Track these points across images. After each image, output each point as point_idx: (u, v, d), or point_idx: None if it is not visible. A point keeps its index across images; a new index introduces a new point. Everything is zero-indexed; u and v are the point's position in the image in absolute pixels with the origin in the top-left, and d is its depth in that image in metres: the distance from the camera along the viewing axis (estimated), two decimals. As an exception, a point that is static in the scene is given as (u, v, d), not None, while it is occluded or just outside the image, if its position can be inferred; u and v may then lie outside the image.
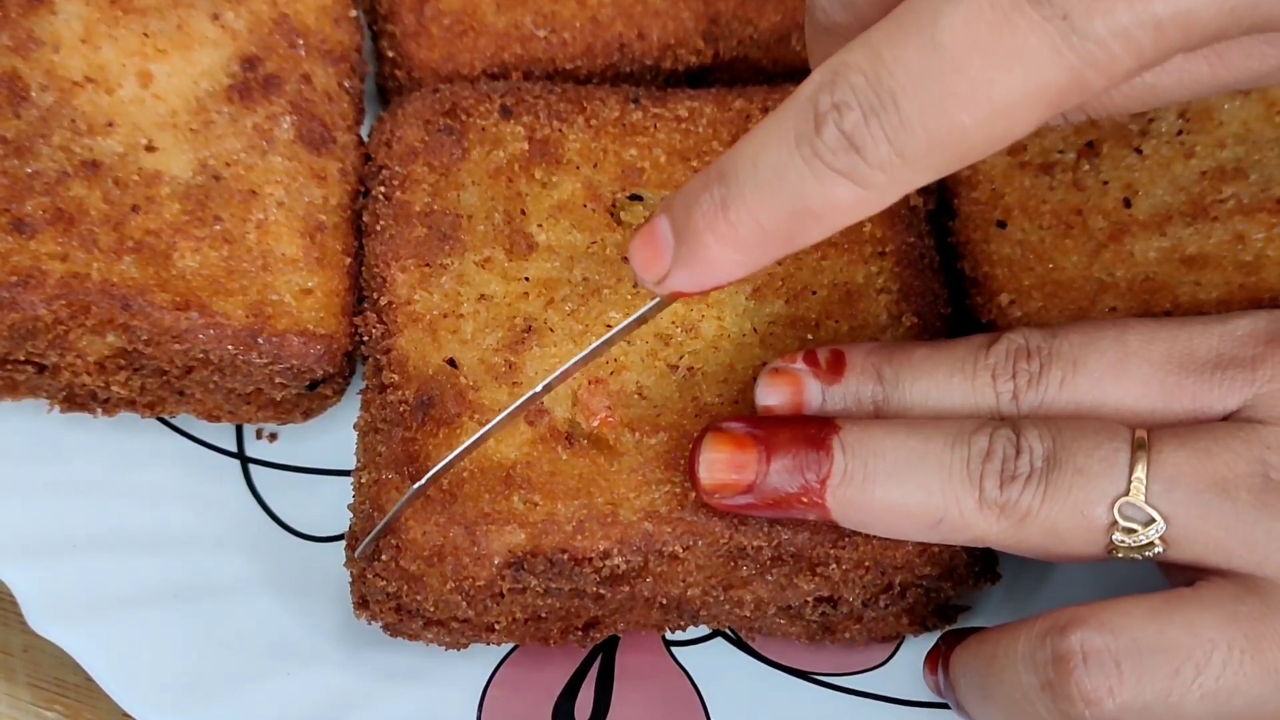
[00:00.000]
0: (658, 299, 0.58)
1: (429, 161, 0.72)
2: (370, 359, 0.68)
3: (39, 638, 0.68)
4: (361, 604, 0.65)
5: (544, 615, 0.66)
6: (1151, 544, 0.57)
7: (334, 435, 0.74)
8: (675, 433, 0.65)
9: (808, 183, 0.50)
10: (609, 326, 0.67)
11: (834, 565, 0.64)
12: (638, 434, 0.65)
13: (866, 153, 0.49)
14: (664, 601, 0.66)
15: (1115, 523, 0.57)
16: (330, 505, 0.73)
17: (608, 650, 0.71)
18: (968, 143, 0.48)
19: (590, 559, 0.62)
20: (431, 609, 0.64)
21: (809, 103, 0.50)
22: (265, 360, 0.68)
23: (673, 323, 0.68)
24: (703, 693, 0.70)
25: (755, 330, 0.69)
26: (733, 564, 0.64)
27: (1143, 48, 0.46)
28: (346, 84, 0.75)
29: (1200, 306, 0.66)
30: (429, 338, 0.67)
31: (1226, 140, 0.70)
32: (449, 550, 0.62)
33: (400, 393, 0.65)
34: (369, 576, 0.63)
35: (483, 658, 0.70)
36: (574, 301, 0.68)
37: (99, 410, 0.72)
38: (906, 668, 0.70)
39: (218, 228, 0.69)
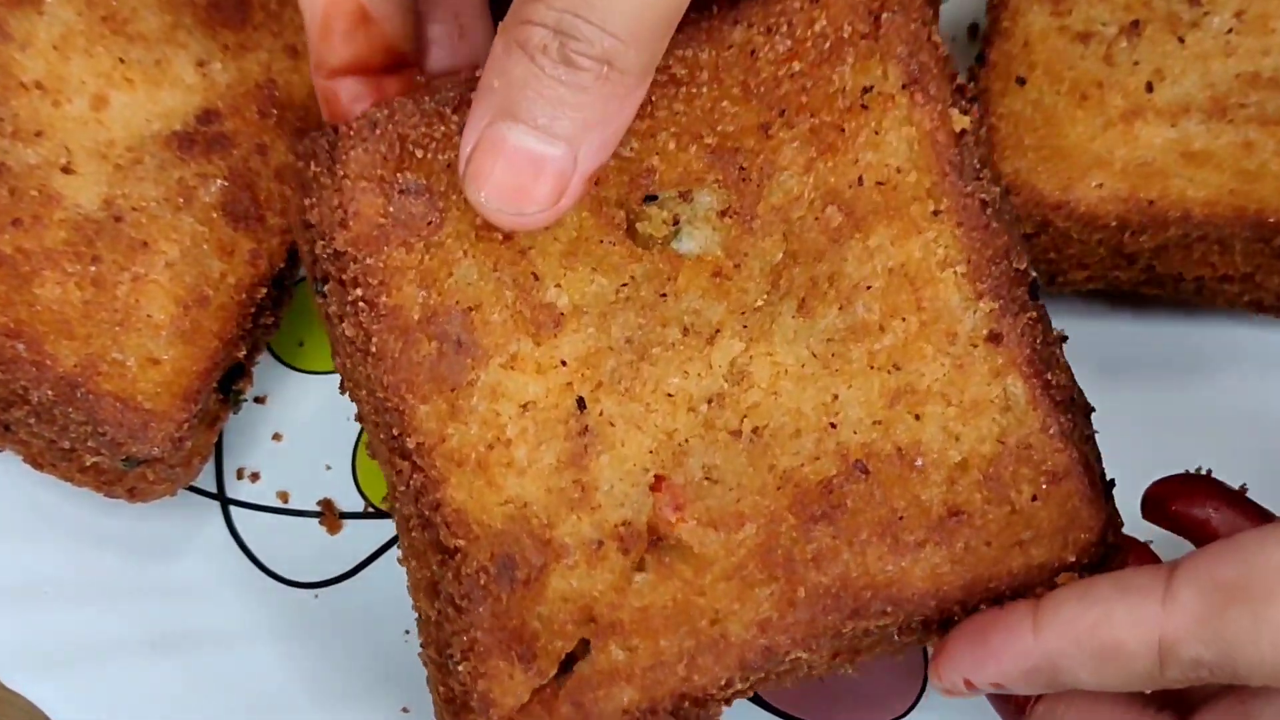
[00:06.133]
0: None
1: (403, 240, 0.57)
2: (415, 516, 0.57)
3: (8, 690, 0.66)
4: None
5: None
6: None
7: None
8: (764, 519, 0.56)
9: None
10: (670, 396, 0.57)
11: (958, 618, 0.58)
12: (721, 531, 0.56)
13: None
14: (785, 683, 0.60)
15: None
16: (313, 548, 0.71)
17: None
18: None
19: (712, 695, 0.56)
20: None
21: None
22: (80, 417, 0.64)
23: (722, 377, 0.58)
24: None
25: (814, 355, 0.58)
26: (855, 645, 0.58)
27: None
28: (305, 169, 0.70)
29: (1186, 204, 0.68)
30: (481, 480, 0.56)
31: (1272, 48, 0.70)
32: None
33: (474, 561, 0.55)
34: None
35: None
36: (625, 375, 0.57)
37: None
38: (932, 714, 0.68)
39: (93, 268, 0.65)
